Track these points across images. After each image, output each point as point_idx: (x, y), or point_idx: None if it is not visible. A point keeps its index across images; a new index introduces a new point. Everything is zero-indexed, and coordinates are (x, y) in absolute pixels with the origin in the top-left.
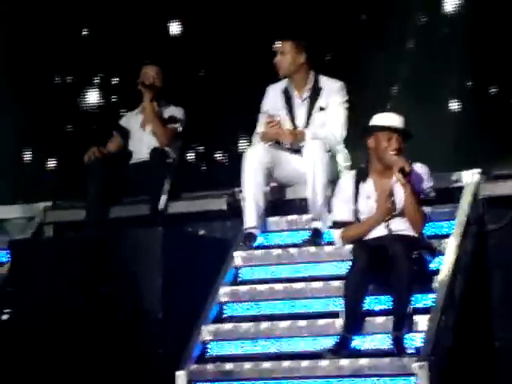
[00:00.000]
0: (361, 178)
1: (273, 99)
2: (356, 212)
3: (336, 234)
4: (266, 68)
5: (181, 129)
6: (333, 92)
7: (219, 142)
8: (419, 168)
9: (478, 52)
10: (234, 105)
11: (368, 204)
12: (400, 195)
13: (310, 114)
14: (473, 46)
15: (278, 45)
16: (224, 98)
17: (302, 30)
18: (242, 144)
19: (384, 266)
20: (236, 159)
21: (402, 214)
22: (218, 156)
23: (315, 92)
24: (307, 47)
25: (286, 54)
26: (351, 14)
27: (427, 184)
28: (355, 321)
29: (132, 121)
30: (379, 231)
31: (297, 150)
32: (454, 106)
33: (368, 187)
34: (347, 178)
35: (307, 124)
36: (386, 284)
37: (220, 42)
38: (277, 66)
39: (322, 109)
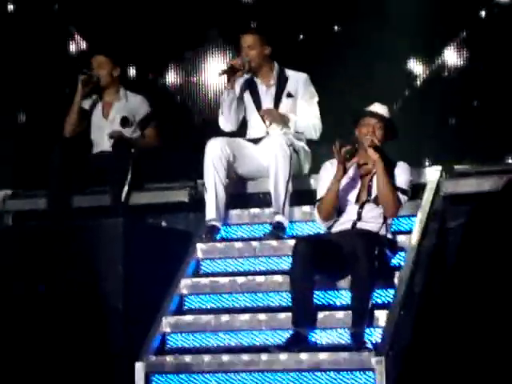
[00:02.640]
0: (347, 159)
1: (237, 90)
2: (337, 191)
3: (315, 211)
4: None
5: (158, 123)
6: (301, 82)
7: (185, 131)
8: (401, 165)
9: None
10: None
11: (349, 184)
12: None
13: (277, 100)
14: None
15: (244, 39)
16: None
17: (265, 23)
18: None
19: (340, 261)
20: (201, 150)
21: (376, 202)
22: (182, 146)
23: (281, 79)
24: (271, 40)
25: (252, 48)
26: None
27: (406, 178)
28: (303, 316)
29: (93, 109)
30: (348, 219)
31: (257, 140)
32: (417, 104)
33: (353, 169)
34: (334, 160)
35: (274, 108)
36: (342, 278)
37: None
38: (245, 61)
39: (290, 95)
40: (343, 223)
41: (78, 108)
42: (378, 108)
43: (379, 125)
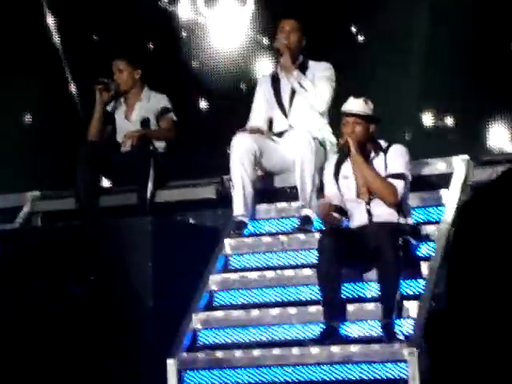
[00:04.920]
0: (341, 159)
1: (263, 86)
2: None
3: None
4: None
5: (175, 118)
6: (319, 69)
7: (206, 127)
8: (393, 148)
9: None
10: (221, 92)
11: (346, 184)
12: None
13: (294, 89)
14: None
15: (287, 22)
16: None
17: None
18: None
19: (366, 253)
20: (225, 145)
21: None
22: (207, 142)
23: (302, 70)
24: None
25: (294, 32)
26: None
27: (399, 161)
28: (334, 309)
29: (116, 111)
30: (361, 217)
31: (280, 134)
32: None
33: (346, 168)
34: (330, 160)
35: (292, 99)
36: (370, 270)
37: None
38: (284, 45)
39: None
40: (359, 222)
41: (100, 115)
42: (353, 105)
43: (358, 121)
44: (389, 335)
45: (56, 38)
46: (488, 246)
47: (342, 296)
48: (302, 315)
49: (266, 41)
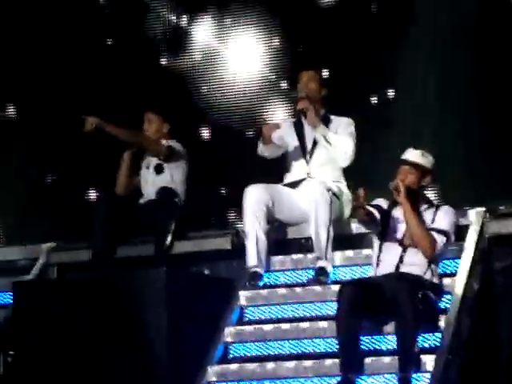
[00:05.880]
0: (395, 203)
1: (284, 129)
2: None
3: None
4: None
5: (168, 143)
6: (343, 123)
7: (224, 178)
8: (444, 208)
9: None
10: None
11: (395, 227)
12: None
13: (317, 140)
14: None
15: (306, 73)
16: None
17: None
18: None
19: (385, 305)
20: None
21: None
22: (223, 193)
23: (324, 122)
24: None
25: (312, 81)
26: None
27: (447, 221)
28: (351, 361)
29: (142, 162)
30: (390, 263)
31: (295, 184)
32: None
33: (399, 213)
34: (384, 200)
35: (314, 148)
36: (387, 323)
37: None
38: (305, 94)
39: None
40: (387, 266)
41: (126, 169)
42: (411, 155)
43: (412, 171)
44: None
45: None
46: None
47: (360, 348)
48: (317, 368)
49: (284, 84)
